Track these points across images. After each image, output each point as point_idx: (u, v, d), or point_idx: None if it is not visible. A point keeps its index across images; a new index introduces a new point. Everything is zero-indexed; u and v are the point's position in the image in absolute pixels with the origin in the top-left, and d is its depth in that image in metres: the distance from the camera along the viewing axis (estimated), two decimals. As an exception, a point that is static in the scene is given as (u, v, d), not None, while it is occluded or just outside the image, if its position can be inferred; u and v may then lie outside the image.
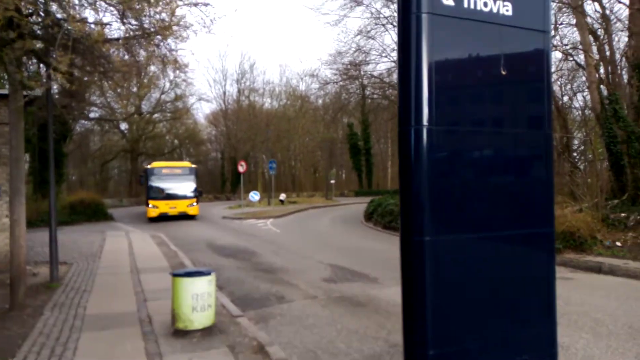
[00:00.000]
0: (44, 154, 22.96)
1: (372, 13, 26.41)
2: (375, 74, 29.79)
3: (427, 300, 1.42)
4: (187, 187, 24.26)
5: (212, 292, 5.57)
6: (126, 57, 8.82)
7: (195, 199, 24.28)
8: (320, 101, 48.33)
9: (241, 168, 29.13)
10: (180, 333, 5.37)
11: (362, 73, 30.18)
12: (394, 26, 26.18)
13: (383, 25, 26.48)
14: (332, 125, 50.69)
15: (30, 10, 5.66)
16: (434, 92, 1.42)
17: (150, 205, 23.33)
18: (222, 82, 71.55)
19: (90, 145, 50.96)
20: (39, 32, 5.67)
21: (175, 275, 5.47)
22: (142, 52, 8.94)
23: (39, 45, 5.83)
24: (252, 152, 49.56)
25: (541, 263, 1.63)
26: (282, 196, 36.60)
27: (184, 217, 23.73)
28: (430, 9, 1.42)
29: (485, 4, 1.49)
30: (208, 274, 5.54)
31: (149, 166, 25.12)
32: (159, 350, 4.94)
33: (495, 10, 1.50)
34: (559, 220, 11.66)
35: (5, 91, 9.07)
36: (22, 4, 5.03)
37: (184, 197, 23.98)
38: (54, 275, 8.47)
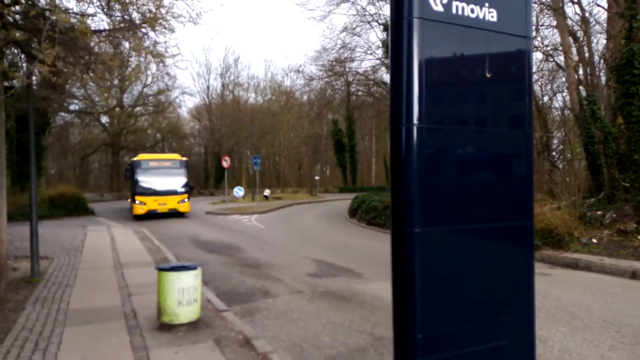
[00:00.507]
0: (22, 146, 22.45)
1: (357, 10, 26.42)
2: (360, 71, 29.86)
3: (415, 287, 1.53)
4: (177, 181, 22.32)
5: (198, 287, 5.59)
6: (110, 49, 8.73)
7: (186, 195, 22.42)
8: (305, 97, 48.27)
9: (225, 163, 28.97)
10: (165, 327, 5.38)
11: (347, 70, 30.22)
12: (379, 24, 26.30)
13: (368, 22, 26.55)
14: (317, 122, 50.69)
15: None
16: (424, 92, 1.52)
17: (136, 202, 21.30)
18: (205, 76, 71.06)
19: (70, 138, 49.94)
20: (21, 22, 5.56)
21: (160, 269, 5.47)
22: (126, 44, 8.87)
23: (21, 36, 5.72)
24: (237, 147, 49.26)
25: (521, 254, 1.76)
26: (267, 192, 36.54)
27: (174, 214, 21.87)
28: (421, 14, 1.51)
29: (472, 10, 1.60)
30: (194, 268, 5.55)
31: (135, 158, 23.01)
32: (145, 344, 4.94)
33: (481, 17, 1.61)
34: (538, 218, 11.96)
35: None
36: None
37: (174, 193, 21.99)
38: (35, 270, 8.35)
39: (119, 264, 9.74)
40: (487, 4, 1.63)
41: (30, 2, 5.65)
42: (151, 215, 21.30)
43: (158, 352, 4.74)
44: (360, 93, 35.26)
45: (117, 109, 45.35)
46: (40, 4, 5.85)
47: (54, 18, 5.12)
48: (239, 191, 28.25)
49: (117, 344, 4.95)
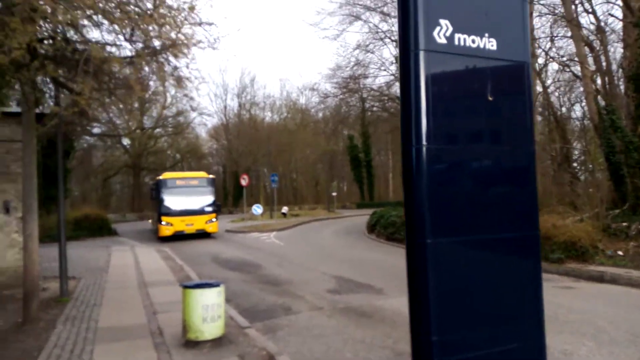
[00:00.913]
0: (47, 170, 23.18)
1: (370, 28, 26.82)
2: (374, 87, 30.14)
3: (429, 293, 1.66)
4: (204, 200, 21.15)
5: (222, 303, 5.71)
6: (130, 73, 9.09)
7: (214, 214, 21.27)
8: (320, 114, 48.74)
9: (244, 181, 29.33)
10: (191, 344, 5.50)
11: (361, 86, 30.53)
12: (392, 40, 26.60)
13: (381, 39, 26.88)
14: (333, 138, 51.01)
15: (45, 35, 5.90)
16: (431, 116, 1.67)
17: (163, 222, 20.19)
18: (222, 97, 72.29)
19: (93, 160, 51.28)
20: (54, 55, 5.89)
21: (185, 287, 5.62)
22: (147, 69, 9.22)
23: (55, 69, 6.06)
24: (254, 165, 49.84)
25: (529, 262, 1.85)
26: (285, 209, 36.74)
27: (201, 235, 20.80)
28: (426, 46, 1.67)
29: (473, 41, 1.73)
30: (217, 285, 5.68)
31: (161, 177, 21.90)
32: (172, 361, 5.07)
33: (482, 46, 1.75)
34: (560, 231, 11.82)
35: (14, 109, 9.32)
36: (40, 29, 5.28)
37: (202, 212, 20.87)
38: (64, 290, 8.60)
39: (143, 283, 9.95)
40: (487, 34, 1.77)
41: (64, 38, 6.00)
42: (181, 237, 20.31)
43: (185, 368, 4.85)
44: (375, 109, 35.50)
45: (137, 131, 46.44)
46: (71, 38, 6.19)
47: (89, 53, 5.44)
48: (257, 209, 28.51)
49: (145, 361, 5.09)
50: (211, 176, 22.93)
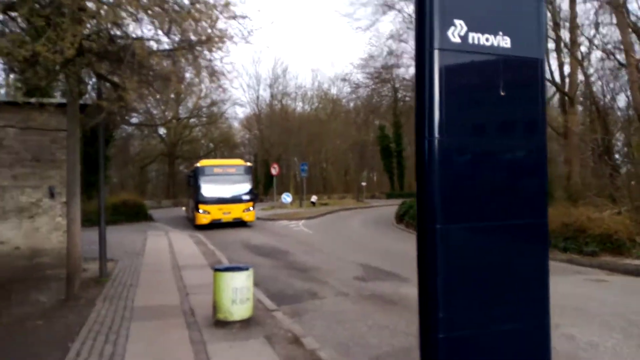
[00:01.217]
0: (88, 157, 24.18)
1: (404, 17, 26.44)
2: (407, 77, 29.77)
3: (438, 275, 1.77)
4: (242, 188, 20.74)
5: (250, 287, 5.94)
6: (168, 67, 9.40)
7: (252, 203, 20.85)
8: (351, 104, 48.60)
9: (274, 170, 29.73)
10: (220, 324, 5.76)
11: (393, 76, 30.23)
12: (426, 28, 26.13)
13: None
14: (364, 128, 50.79)
15: (89, 32, 6.21)
16: (444, 111, 1.77)
17: (200, 211, 19.81)
18: (255, 87, 72.78)
19: (131, 149, 53.08)
20: (98, 51, 6.19)
21: (217, 270, 5.87)
22: (183, 62, 9.51)
23: (102, 66, 6.39)
24: (284, 154, 50.29)
25: (537, 248, 1.92)
26: (314, 198, 37.02)
27: (238, 224, 20.44)
28: (441, 45, 1.75)
29: (487, 39, 1.80)
30: (246, 269, 5.91)
31: (198, 165, 21.40)
32: (202, 339, 5.33)
33: (496, 44, 1.81)
34: (595, 223, 11.49)
35: (59, 100, 9.82)
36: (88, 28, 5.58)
37: (240, 201, 20.44)
38: (103, 271, 9.10)
39: (176, 266, 10.37)
40: (501, 33, 1.83)
41: (109, 35, 6.30)
42: (218, 226, 19.95)
43: (214, 346, 5.10)
44: (407, 99, 35.07)
45: (173, 121, 47.67)
46: (114, 34, 6.47)
47: (134, 50, 5.71)
48: (287, 197, 28.86)
49: (177, 338, 5.38)
50: (248, 164, 22.49)
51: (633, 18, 21.82)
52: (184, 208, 29.73)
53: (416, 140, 1.87)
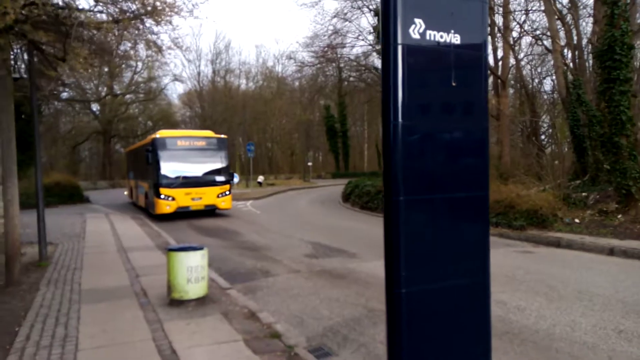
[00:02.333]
0: (18, 136, 22.51)
1: (349, -5, 26.51)
2: (351, 56, 30.12)
3: (400, 240, 2.10)
4: (215, 167, 16.78)
5: (205, 266, 6.01)
6: (109, 39, 8.98)
7: (228, 186, 16.97)
8: (297, 83, 48.41)
9: (219, 150, 29.12)
10: (175, 303, 5.81)
11: (338, 56, 30.43)
12: (370, 9, 26.48)
13: (359, 8, 26.71)
14: (309, 108, 50.93)
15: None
16: (406, 98, 2.06)
17: (162, 196, 15.60)
18: (196, 62, 70.35)
19: (61, 126, 49.70)
20: (38, 21, 5.83)
21: (170, 249, 5.87)
22: (127, 34, 9.13)
23: (45, 36, 6.01)
24: (228, 133, 49.36)
25: (478, 216, 2.33)
26: (260, 178, 36.92)
27: (211, 212, 16.97)
28: (403, 41, 2.05)
29: (442, 36, 2.12)
30: (201, 248, 5.96)
31: (157, 135, 16.70)
32: (158, 317, 5.37)
33: (448, 40, 2.13)
34: (523, 199, 12.54)
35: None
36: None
37: (213, 183, 16.49)
38: (43, 254, 8.71)
39: (122, 249, 10.12)
40: (452, 31, 2.15)
41: (52, 4, 5.92)
42: (186, 215, 16.51)
43: (171, 324, 5.17)
44: (352, 79, 35.54)
45: (108, 96, 45.11)
46: (53, 3, 6.10)
47: (82, 21, 5.43)
48: (234, 178, 28.53)
49: (132, 318, 5.38)
50: (223, 136, 17.91)
51: (559, 6, 23.45)
52: (126, 192, 26.90)
53: (383, 124, 2.15)
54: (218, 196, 16.61)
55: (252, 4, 78.66)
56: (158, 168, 15.76)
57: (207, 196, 16.37)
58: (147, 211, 17.71)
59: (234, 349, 4.44)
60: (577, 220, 12.23)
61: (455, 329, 2.31)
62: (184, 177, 16.01)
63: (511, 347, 4.60)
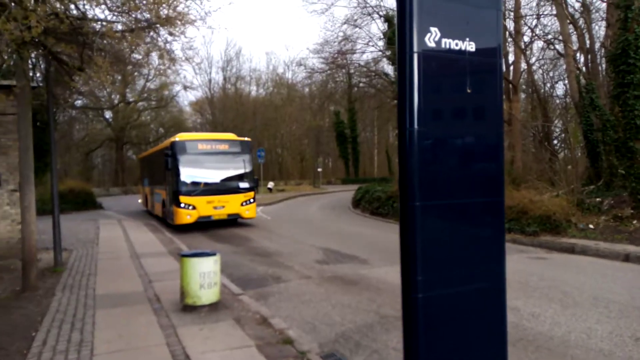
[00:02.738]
0: (34, 143, 22.91)
1: (358, 2, 26.63)
2: (361, 62, 30.15)
3: (417, 244, 2.12)
4: (238, 173, 15.57)
5: (217, 272, 6.05)
6: (124, 49, 9.14)
7: (252, 193, 15.69)
8: (307, 89, 48.62)
9: (230, 156, 29.25)
10: (188, 308, 5.85)
11: (348, 62, 30.51)
12: (380, 16, 26.54)
13: (369, 14, 26.76)
14: (319, 113, 51.06)
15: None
16: (422, 105, 2.10)
17: (182, 205, 14.39)
18: (207, 70, 70.99)
19: (74, 134, 50.48)
20: (57, 32, 5.98)
21: (184, 255, 5.93)
22: (141, 43, 9.29)
23: (66, 48, 6.18)
24: (239, 140, 49.66)
25: (495, 221, 2.34)
26: (271, 184, 37.02)
27: (234, 221, 16.03)
28: (419, 48, 2.08)
29: (457, 44, 2.16)
30: (214, 254, 6.01)
31: (176, 139, 15.39)
32: (172, 323, 5.41)
33: (463, 48, 2.16)
34: (536, 205, 12.40)
35: (3, 83, 9.30)
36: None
37: (236, 190, 15.27)
38: (59, 260, 8.84)
39: (135, 254, 10.22)
40: (467, 39, 2.18)
41: (77, 17, 6.07)
42: (207, 225, 15.40)
43: (184, 329, 5.21)
44: (361, 84, 35.53)
45: (121, 104, 45.74)
46: (70, 13, 6.24)
47: (103, 33, 5.56)
48: (244, 184, 28.59)
49: (146, 323, 5.43)
50: (246, 139, 16.48)
51: (571, 10, 23.32)
52: (140, 200, 25.76)
53: (398, 130, 2.19)
54: (242, 204, 15.33)
55: (263, 12, 79.40)
56: (177, 174, 14.56)
57: (230, 204, 15.06)
58: (164, 221, 16.68)
59: (247, 355, 4.46)
60: (591, 226, 12.07)
61: (472, 334, 2.32)
62: (206, 184, 14.93)
63: (525, 354, 4.55)
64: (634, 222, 11.58)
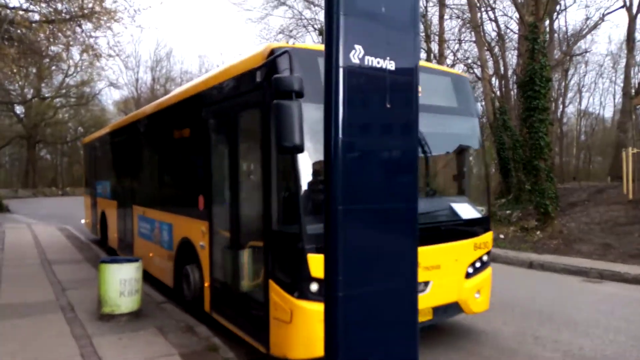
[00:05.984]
0: None
1: (294, 14, 27.03)
2: (296, 73, 30.42)
3: (338, 246, 2.28)
4: (461, 173, 6.03)
5: (139, 278, 5.80)
6: (41, 40, 8.56)
7: (489, 234, 5.70)
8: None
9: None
10: (107, 317, 5.54)
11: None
12: (315, 29, 27.11)
13: (304, 26, 27.25)
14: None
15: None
16: (346, 117, 2.31)
17: (313, 287, 4.00)
18: (134, 69, 67.71)
19: (-23, 129, 45.76)
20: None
21: (102, 261, 5.63)
22: (61, 36, 8.75)
23: None
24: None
25: (407, 225, 2.58)
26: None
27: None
28: (345, 64, 2.28)
29: (378, 62, 2.38)
30: (136, 260, 5.77)
31: (277, 48, 4.23)
32: (87, 333, 5.10)
33: (384, 66, 2.39)
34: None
35: None
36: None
37: (464, 232, 5.24)
38: (-46, 267, 7.96)
39: (46, 261, 9.47)
40: (388, 58, 2.40)
41: None
42: None
43: (101, 339, 4.93)
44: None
45: (35, 99, 42.18)
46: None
47: (12, 20, 5.13)
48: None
49: (58, 334, 5.07)
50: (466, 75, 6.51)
51: (489, 38, 25.43)
52: (84, 220, 14.48)
53: (324, 139, 2.31)
54: (468, 273, 5.24)
55: (197, 15, 77.55)
56: (295, 171, 4.02)
57: (444, 274, 4.87)
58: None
59: (170, 363, 4.34)
60: (502, 236, 13.15)
61: (387, 329, 2.50)
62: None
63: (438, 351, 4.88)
64: (538, 232, 12.79)
